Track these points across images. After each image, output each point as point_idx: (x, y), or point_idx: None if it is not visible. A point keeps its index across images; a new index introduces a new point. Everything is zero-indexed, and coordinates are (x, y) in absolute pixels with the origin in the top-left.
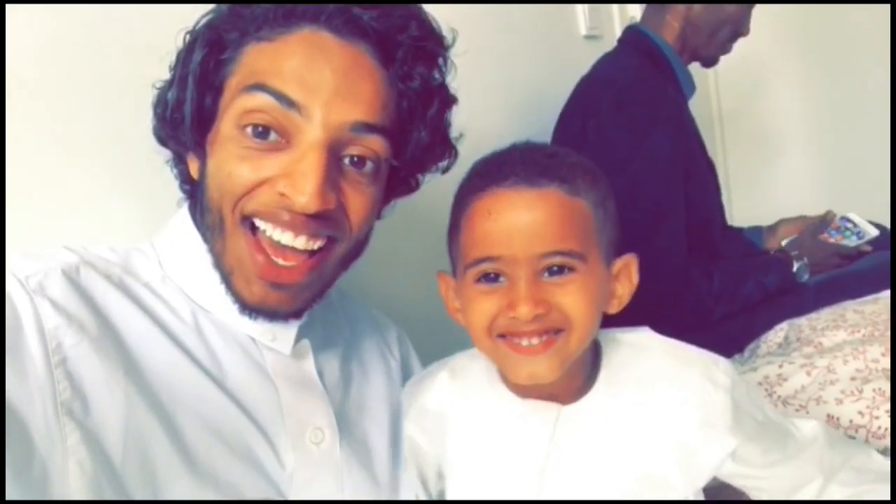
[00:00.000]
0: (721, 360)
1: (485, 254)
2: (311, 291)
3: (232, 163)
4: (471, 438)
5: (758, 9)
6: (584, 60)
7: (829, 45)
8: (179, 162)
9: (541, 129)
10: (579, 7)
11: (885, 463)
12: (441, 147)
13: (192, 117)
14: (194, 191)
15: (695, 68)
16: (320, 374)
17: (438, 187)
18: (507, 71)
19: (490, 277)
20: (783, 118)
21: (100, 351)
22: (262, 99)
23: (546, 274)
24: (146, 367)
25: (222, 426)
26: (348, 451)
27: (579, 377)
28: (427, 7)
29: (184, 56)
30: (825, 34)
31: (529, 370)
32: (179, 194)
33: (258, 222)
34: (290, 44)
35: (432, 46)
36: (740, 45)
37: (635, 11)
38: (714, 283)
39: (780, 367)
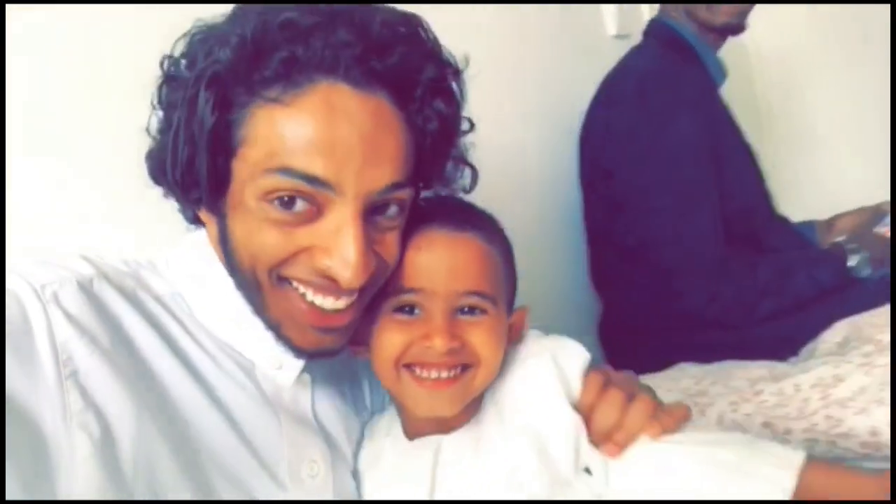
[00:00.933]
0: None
1: (409, 285)
2: (351, 329)
3: (263, 233)
4: (373, 491)
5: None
6: (614, 61)
7: (873, 35)
8: (187, 208)
9: (568, 131)
10: (605, 8)
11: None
12: (462, 167)
13: (208, 181)
14: (198, 221)
15: (735, 56)
16: (319, 407)
17: None
18: (533, 74)
19: (406, 310)
20: (829, 110)
21: (112, 364)
22: (287, 182)
23: (460, 313)
24: (156, 382)
25: (223, 450)
26: (341, 485)
27: (469, 411)
28: (455, 10)
29: (187, 111)
30: (868, 23)
31: (431, 403)
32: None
33: (298, 287)
34: (308, 110)
35: (449, 83)
36: (782, 30)
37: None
38: (758, 276)
39: (837, 367)
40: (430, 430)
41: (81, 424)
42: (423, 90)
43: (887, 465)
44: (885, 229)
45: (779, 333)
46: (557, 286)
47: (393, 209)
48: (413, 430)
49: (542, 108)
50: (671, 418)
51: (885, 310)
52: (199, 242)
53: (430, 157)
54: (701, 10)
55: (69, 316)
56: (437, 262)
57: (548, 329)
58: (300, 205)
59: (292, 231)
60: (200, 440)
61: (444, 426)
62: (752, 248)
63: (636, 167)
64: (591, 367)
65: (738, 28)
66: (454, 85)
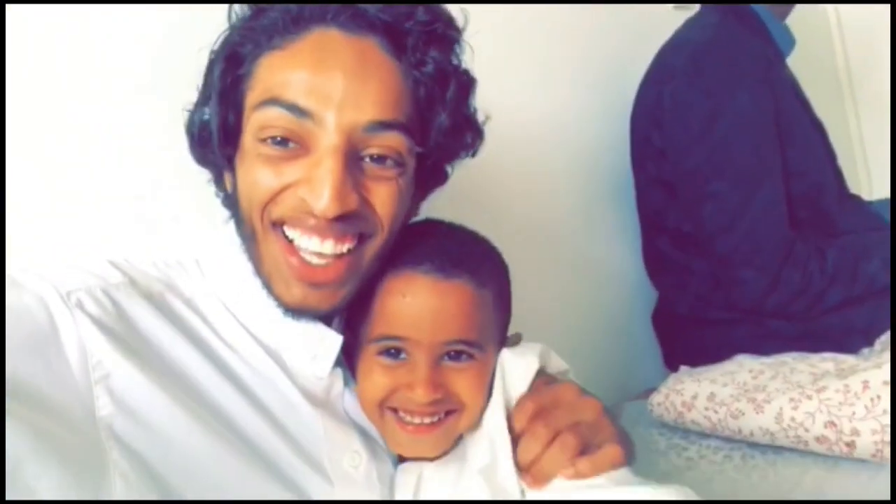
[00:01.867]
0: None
1: (393, 333)
2: (349, 288)
3: (255, 171)
4: None
5: None
6: (670, 33)
7: None
8: (219, 179)
9: (622, 108)
10: None
11: None
12: (466, 130)
13: (218, 135)
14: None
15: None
16: (348, 403)
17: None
18: (595, 46)
19: (391, 353)
20: None
21: (142, 369)
22: (275, 112)
23: (446, 358)
24: (186, 386)
25: (262, 448)
26: (384, 475)
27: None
28: None
29: (207, 75)
30: None
31: (413, 447)
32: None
33: (287, 230)
34: (300, 51)
35: (443, 29)
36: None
37: None
38: (827, 261)
39: None
40: (411, 457)
41: (109, 427)
42: (415, 38)
43: None
44: None
45: (850, 323)
46: (611, 275)
47: (389, 161)
48: (398, 454)
49: (595, 84)
50: (590, 464)
51: None
52: (229, 238)
53: (427, 109)
54: None
55: (96, 321)
56: (423, 311)
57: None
58: (291, 145)
59: (281, 168)
60: (240, 436)
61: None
62: (821, 231)
63: (690, 148)
64: (548, 380)
65: None
66: (451, 35)
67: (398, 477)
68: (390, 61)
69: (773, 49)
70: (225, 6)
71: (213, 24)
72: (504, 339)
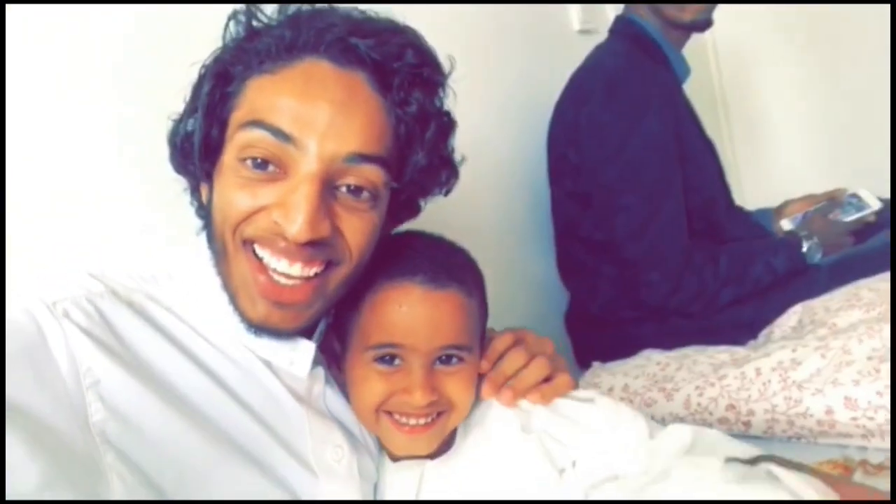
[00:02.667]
0: None
1: (390, 340)
2: (314, 310)
3: (232, 190)
4: None
5: None
6: (578, 56)
7: (827, 24)
8: (195, 190)
9: (536, 126)
10: (570, 4)
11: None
12: (441, 169)
13: (200, 148)
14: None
15: (694, 52)
16: (328, 400)
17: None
18: (501, 69)
19: (386, 359)
20: (785, 98)
21: (131, 374)
22: (258, 134)
23: (438, 363)
24: (174, 389)
25: (250, 445)
26: (364, 468)
27: (447, 438)
28: (420, 8)
29: (195, 89)
30: (824, 13)
31: (409, 446)
32: (198, 221)
33: (258, 249)
34: (289, 78)
35: (429, 73)
36: (739, 26)
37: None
38: (720, 266)
39: (794, 350)
40: (408, 456)
41: (102, 433)
42: (401, 78)
43: (839, 443)
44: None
45: (738, 319)
46: (527, 278)
47: (365, 194)
48: (393, 454)
49: (508, 102)
50: (552, 390)
51: (838, 294)
52: (202, 249)
53: (406, 147)
54: (669, 7)
55: (83, 329)
56: (419, 320)
57: (519, 318)
58: (270, 168)
59: (257, 189)
60: (228, 434)
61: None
62: (713, 239)
63: (605, 165)
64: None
65: (704, 25)
66: (436, 79)
67: (395, 474)
68: (376, 97)
69: (674, 77)
70: (219, 19)
71: (206, 38)
72: (483, 340)
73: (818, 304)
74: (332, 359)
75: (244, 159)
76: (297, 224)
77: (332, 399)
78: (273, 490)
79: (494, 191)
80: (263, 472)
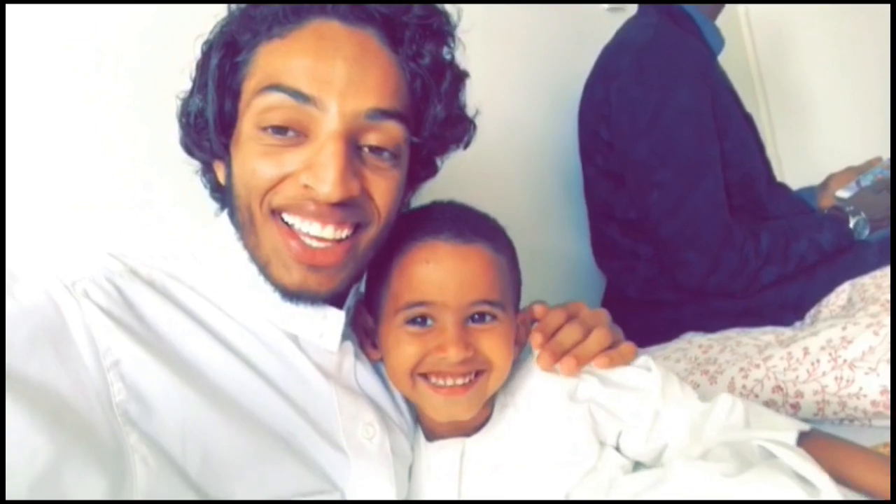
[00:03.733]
0: None
1: (420, 298)
2: (347, 273)
3: (255, 160)
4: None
5: None
6: (608, 33)
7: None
8: (208, 171)
9: (566, 104)
10: None
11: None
12: (459, 122)
13: (215, 122)
14: (225, 197)
15: (727, 24)
16: (360, 376)
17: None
18: (530, 47)
19: (418, 321)
20: (823, 71)
21: (151, 354)
22: (277, 98)
23: (471, 321)
24: (197, 368)
25: (276, 424)
26: (397, 447)
27: (485, 410)
28: None
29: (202, 64)
30: None
31: (449, 409)
32: (214, 204)
33: (287, 217)
34: (300, 39)
35: (438, 24)
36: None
37: None
38: (761, 242)
39: (844, 328)
40: (448, 433)
41: (125, 413)
42: (412, 31)
43: None
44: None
45: (783, 299)
46: (560, 261)
47: (386, 154)
48: (431, 432)
49: (537, 80)
50: (619, 355)
51: (888, 270)
52: (223, 229)
53: (423, 101)
54: None
55: (102, 309)
56: (448, 275)
57: (553, 302)
58: (290, 134)
59: (281, 157)
60: (254, 414)
61: (461, 429)
62: (753, 217)
63: (637, 140)
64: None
65: None
66: (446, 30)
67: (433, 454)
68: (388, 53)
69: (707, 48)
70: (211, 15)
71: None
72: (518, 306)
73: (869, 280)
74: (365, 336)
75: (264, 127)
76: (328, 183)
77: (364, 375)
78: (302, 472)
79: (524, 172)
80: (293, 452)
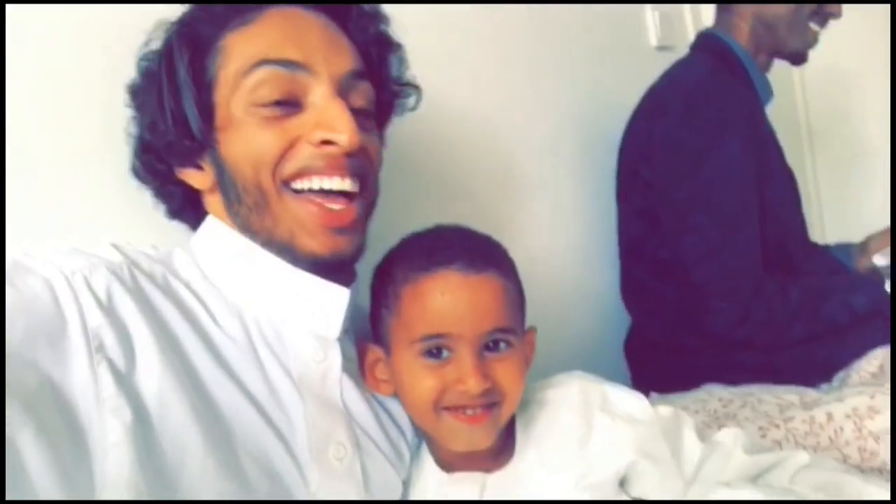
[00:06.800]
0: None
1: (437, 331)
2: (359, 236)
3: (256, 133)
4: None
5: (844, 17)
6: (655, 72)
7: None
8: (166, 184)
9: (610, 140)
10: (649, 16)
11: None
12: (407, 84)
13: (199, 114)
14: (197, 205)
15: (779, 76)
16: (347, 395)
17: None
18: (575, 82)
19: (433, 353)
20: (875, 130)
21: (143, 350)
22: (268, 71)
23: (485, 349)
24: (188, 365)
25: (250, 433)
26: (376, 473)
27: (500, 443)
28: (497, 17)
29: (166, 68)
30: None
31: (470, 438)
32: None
33: (299, 184)
34: (268, 20)
35: (371, 8)
36: (828, 53)
37: (709, 20)
38: (791, 299)
39: (872, 397)
40: (465, 467)
41: (113, 409)
42: (356, 13)
43: None
44: None
45: (811, 358)
46: (588, 300)
47: (367, 113)
48: (448, 464)
49: (580, 116)
50: None
51: None
52: (211, 225)
53: (381, 66)
54: (778, 30)
55: (100, 302)
56: (463, 306)
57: (575, 341)
58: (281, 108)
59: (282, 125)
60: (230, 422)
61: (477, 462)
62: (785, 272)
63: (678, 181)
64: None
65: (801, 59)
66: (380, 11)
67: (451, 487)
68: (341, 32)
69: (757, 99)
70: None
71: None
72: (524, 327)
73: None
74: (364, 366)
75: (258, 104)
76: (346, 131)
77: (350, 392)
78: (265, 481)
79: (558, 206)
80: (260, 465)
